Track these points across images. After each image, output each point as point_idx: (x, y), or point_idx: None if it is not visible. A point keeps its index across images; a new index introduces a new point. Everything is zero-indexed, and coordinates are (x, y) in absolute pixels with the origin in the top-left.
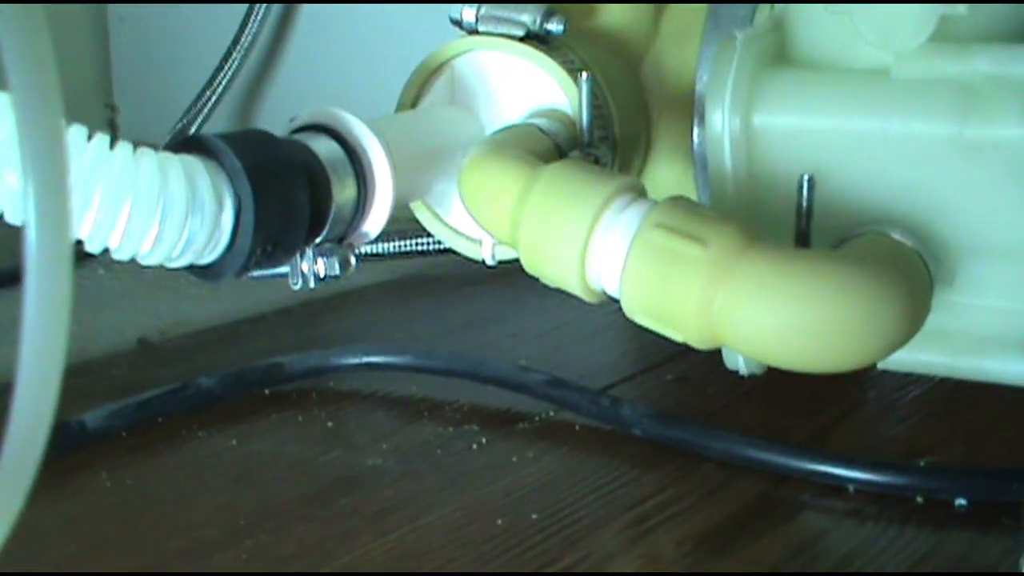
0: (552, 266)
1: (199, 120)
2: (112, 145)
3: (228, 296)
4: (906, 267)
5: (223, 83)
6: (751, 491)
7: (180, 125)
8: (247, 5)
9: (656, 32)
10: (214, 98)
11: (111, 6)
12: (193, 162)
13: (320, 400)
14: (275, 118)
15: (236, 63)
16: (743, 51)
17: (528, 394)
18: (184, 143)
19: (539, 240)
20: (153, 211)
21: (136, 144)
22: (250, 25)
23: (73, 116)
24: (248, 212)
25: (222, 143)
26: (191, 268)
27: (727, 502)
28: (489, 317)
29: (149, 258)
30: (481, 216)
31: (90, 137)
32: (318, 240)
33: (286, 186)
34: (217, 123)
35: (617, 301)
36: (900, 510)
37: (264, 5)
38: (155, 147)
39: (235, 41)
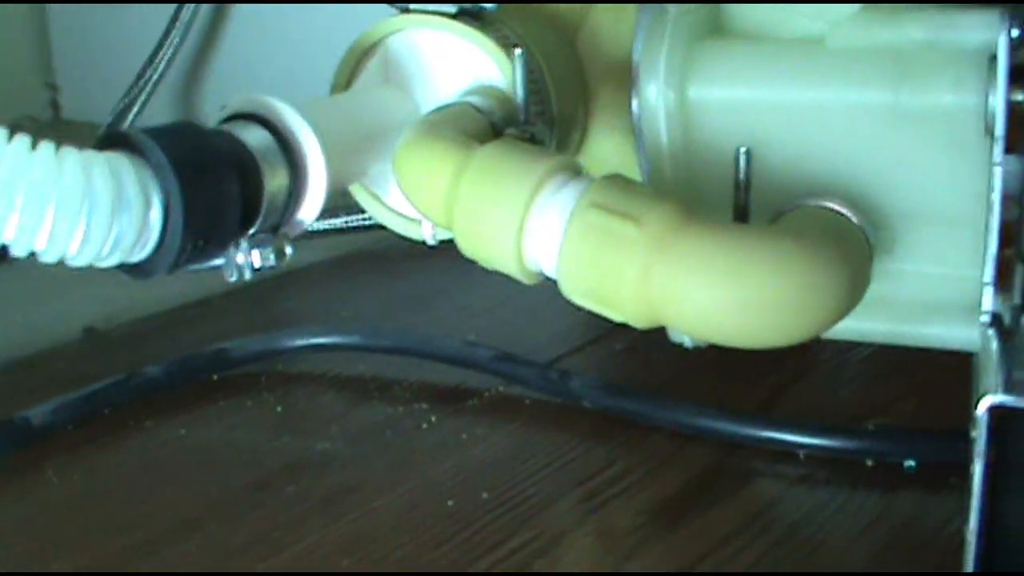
0: (488, 249)
1: (142, 98)
2: (34, 145)
3: (174, 280)
4: (845, 238)
5: (164, 59)
6: (702, 460)
7: (123, 104)
8: None
9: (590, 2)
10: (156, 75)
11: None
12: (119, 159)
13: (269, 384)
14: (218, 94)
15: (177, 39)
16: (676, 23)
17: (477, 370)
18: (109, 139)
19: (474, 223)
20: (78, 212)
21: (64, 137)
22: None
23: (14, 97)
24: (176, 209)
25: (147, 138)
26: (122, 267)
27: (678, 472)
28: (436, 291)
29: (77, 259)
30: (416, 200)
31: (11, 138)
32: (252, 231)
33: (215, 179)
34: (160, 101)
35: (555, 282)
36: (850, 474)
37: None
38: (97, 127)
39: (175, 17)
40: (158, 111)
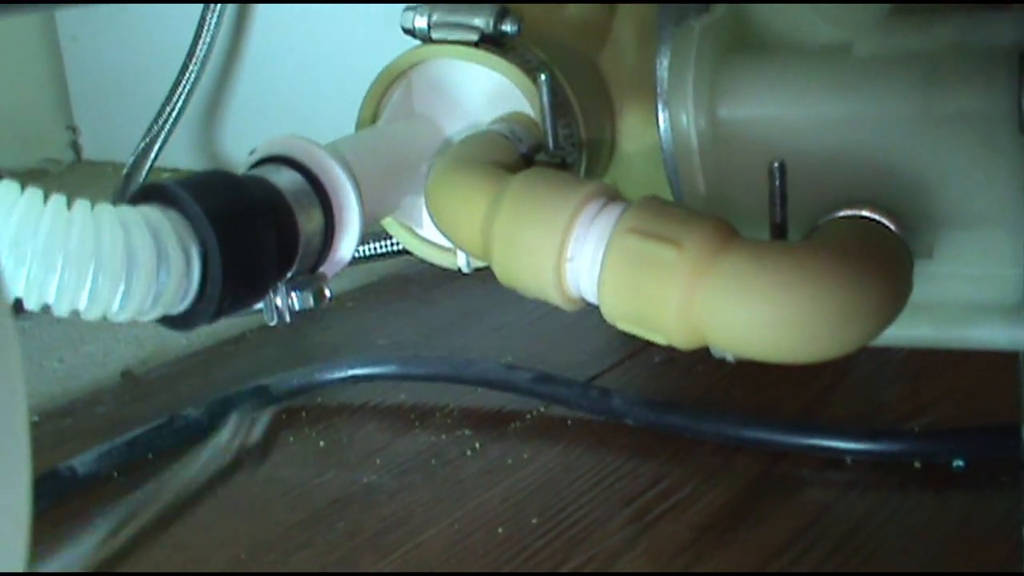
0: (528, 278)
1: (162, 136)
2: (69, 204)
3: None
4: (884, 247)
5: (182, 96)
6: (749, 471)
7: (144, 143)
8: (199, 15)
9: (612, 19)
10: (175, 112)
11: (61, 26)
12: (155, 213)
13: (310, 418)
14: (238, 127)
15: (194, 74)
16: (701, 42)
17: (517, 392)
18: (145, 192)
19: (512, 254)
20: (119, 272)
21: (87, 178)
22: (204, 35)
23: (35, 141)
24: (215, 259)
25: (182, 190)
26: (163, 320)
27: (726, 485)
28: (471, 313)
29: (119, 316)
30: (451, 233)
31: (47, 199)
32: (289, 274)
33: (251, 227)
34: (181, 137)
35: (597, 307)
36: (899, 477)
37: (215, 15)
38: (119, 167)
39: (190, 53)
40: (179, 148)
